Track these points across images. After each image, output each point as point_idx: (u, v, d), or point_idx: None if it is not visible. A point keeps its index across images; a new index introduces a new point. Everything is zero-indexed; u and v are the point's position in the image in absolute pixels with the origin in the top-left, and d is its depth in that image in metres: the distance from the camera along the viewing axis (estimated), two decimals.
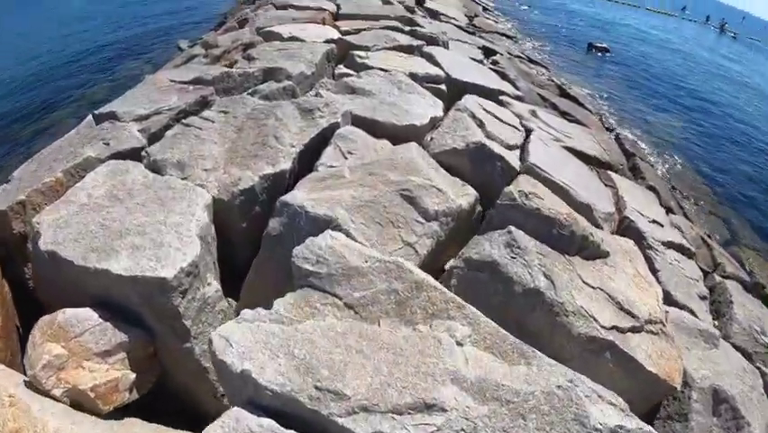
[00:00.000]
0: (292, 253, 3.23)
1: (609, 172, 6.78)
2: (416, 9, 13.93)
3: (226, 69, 6.72)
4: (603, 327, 3.51)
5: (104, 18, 22.56)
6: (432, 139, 5.38)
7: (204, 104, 5.92)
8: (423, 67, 7.54)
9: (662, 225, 6.00)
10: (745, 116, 18.33)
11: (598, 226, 4.94)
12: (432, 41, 9.48)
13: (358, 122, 5.43)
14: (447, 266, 3.93)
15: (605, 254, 4.21)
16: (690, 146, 13.03)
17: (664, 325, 3.96)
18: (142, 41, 18.15)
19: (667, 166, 10.99)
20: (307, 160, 4.71)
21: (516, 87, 9.06)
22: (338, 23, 10.28)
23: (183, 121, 5.33)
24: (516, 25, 22.74)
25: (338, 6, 12.03)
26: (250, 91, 6.27)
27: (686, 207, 8.92)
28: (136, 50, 17.18)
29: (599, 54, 20.94)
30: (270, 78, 6.85)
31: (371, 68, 7.10)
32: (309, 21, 10.32)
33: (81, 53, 15.97)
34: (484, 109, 6.37)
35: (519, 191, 4.10)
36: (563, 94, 11.54)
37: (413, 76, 7.01)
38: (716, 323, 5.15)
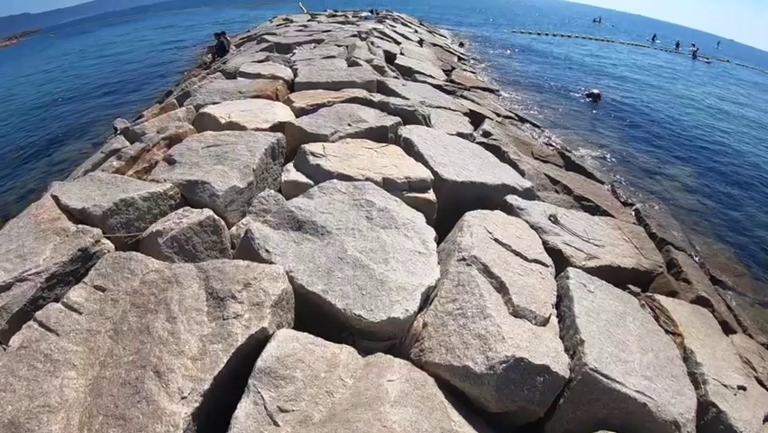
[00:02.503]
0: None
1: (660, 300, 4.90)
2: (386, 69, 12.05)
3: (125, 196, 4.57)
4: None
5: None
6: (425, 327, 3.28)
7: (86, 259, 3.90)
8: (400, 165, 5.46)
9: (744, 389, 4.01)
10: (754, 153, 16.91)
11: None
12: (409, 116, 7.50)
13: (303, 303, 3.36)
14: None
15: None
16: (706, 204, 11.30)
17: None
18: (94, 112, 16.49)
19: (695, 243, 9.07)
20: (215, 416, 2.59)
21: (521, 172, 7.18)
22: (293, 96, 8.33)
23: (36, 316, 3.21)
24: (495, 74, 21.01)
25: (295, 72, 10.13)
26: (154, 230, 4.21)
27: (734, 307, 6.91)
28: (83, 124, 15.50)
29: (591, 101, 19.16)
30: (190, 197, 4.82)
31: (329, 173, 5.06)
32: (258, 94, 8.46)
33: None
34: (497, 240, 4.31)
35: None
36: (569, 165, 9.74)
37: (388, 184, 4.97)
38: None
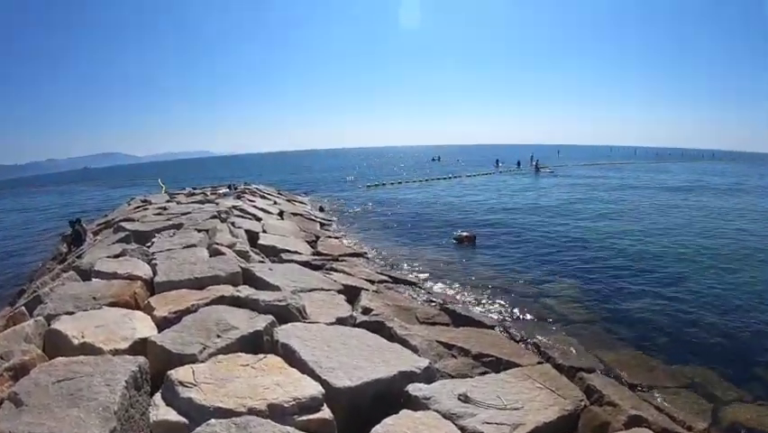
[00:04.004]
0: None
1: None
2: (250, 253, 11.78)
3: None
4: None
5: None
6: None
7: None
8: (284, 382, 4.97)
9: None
10: (614, 245, 18.84)
11: None
12: (282, 312, 7.17)
13: None
14: None
15: None
16: (593, 310, 11.75)
17: None
18: None
19: (599, 355, 9.19)
20: None
21: (413, 348, 7.05)
22: (153, 301, 7.77)
23: None
24: (361, 235, 21.24)
25: (154, 268, 9.57)
26: None
27: (665, 407, 6.98)
28: None
29: (464, 244, 19.44)
30: None
31: (204, 407, 4.49)
32: (115, 300, 7.81)
33: None
34: None
35: None
36: (457, 319, 9.84)
37: (274, 412, 4.46)
38: None
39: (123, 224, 16.31)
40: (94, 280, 9.18)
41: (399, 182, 50.74)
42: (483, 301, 12.37)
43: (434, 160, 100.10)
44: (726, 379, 8.31)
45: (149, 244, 12.89)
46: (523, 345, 8.95)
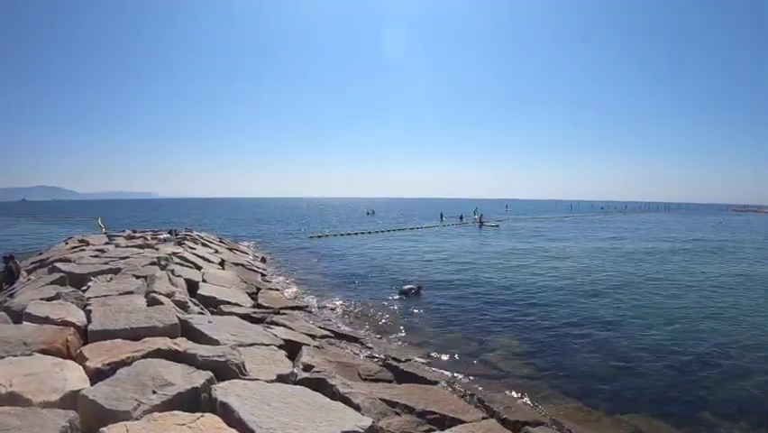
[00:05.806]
0: None
1: None
2: (189, 303, 11.61)
3: None
4: None
5: None
6: None
7: None
8: None
9: None
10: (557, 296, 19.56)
11: None
12: (221, 367, 7.09)
13: None
14: None
15: None
16: (534, 363, 12.03)
17: None
18: None
19: (543, 407, 9.48)
20: None
21: (356, 407, 7.02)
22: (86, 351, 7.54)
23: None
24: (303, 287, 21.15)
25: (88, 315, 9.32)
26: None
27: None
28: None
29: (410, 295, 19.49)
30: None
31: None
32: (46, 347, 7.55)
33: None
34: None
35: None
36: (399, 375, 9.84)
37: None
38: None
39: (58, 264, 15.77)
40: (25, 323, 8.88)
41: (342, 234, 51.01)
42: (427, 356, 12.41)
43: (368, 214, 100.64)
44: (669, 423, 8.71)
45: (84, 287, 12.56)
46: (467, 401, 9.01)
